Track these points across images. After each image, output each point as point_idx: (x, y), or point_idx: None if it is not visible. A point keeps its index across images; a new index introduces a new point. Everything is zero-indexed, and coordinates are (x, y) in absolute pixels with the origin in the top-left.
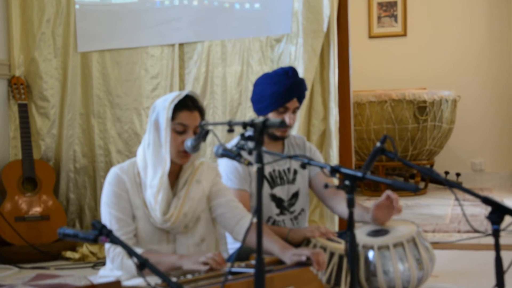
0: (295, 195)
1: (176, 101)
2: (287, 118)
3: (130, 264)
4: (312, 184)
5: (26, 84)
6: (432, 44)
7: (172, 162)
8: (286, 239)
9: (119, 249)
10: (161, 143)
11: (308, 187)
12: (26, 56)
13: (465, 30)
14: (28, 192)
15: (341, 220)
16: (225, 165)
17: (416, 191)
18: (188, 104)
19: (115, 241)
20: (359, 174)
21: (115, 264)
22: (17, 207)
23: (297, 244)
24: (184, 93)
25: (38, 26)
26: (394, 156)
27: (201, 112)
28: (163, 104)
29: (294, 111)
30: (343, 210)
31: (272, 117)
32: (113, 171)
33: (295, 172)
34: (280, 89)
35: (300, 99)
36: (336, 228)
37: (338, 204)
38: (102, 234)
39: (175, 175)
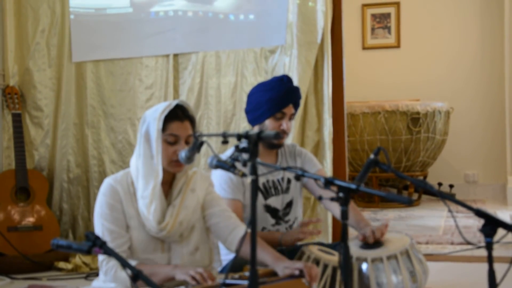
0: (289, 204)
1: (166, 112)
2: (284, 124)
3: (124, 277)
4: (308, 187)
5: (20, 94)
6: (426, 55)
7: (165, 171)
8: (279, 243)
9: (112, 262)
10: (153, 154)
11: (300, 195)
12: (21, 66)
13: (457, 42)
14: (21, 202)
15: (335, 231)
16: (218, 175)
17: (409, 204)
18: (178, 115)
19: (109, 252)
20: (353, 186)
21: (108, 277)
22: (10, 217)
23: (290, 251)
24: (174, 103)
25: (32, 36)
26: (388, 168)
27: (192, 121)
28: (153, 115)
29: (291, 118)
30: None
31: (269, 123)
32: (107, 181)
33: (289, 181)
34: (276, 95)
35: (296, 106)
36: (330, 240)
37: (336, 208)
38: (96, 245)
39: (168, 184)
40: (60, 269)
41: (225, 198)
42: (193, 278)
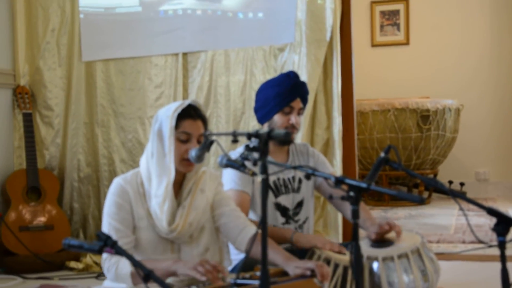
0: (300, 204)
1: (179, 110)
2: (293, 118)
3: (124, 273)
4: (321, 190)
5: (30, 93)
6: (435, 52)
7: (176, 171)
8: (290, 241)
9: (114, 259)
10: (165, 152)
11: (312, 195)
12: (31, 65)
13: (467, 38)
14: (32, 201)
15: (345, 230)
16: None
17: (421, 202)
18: (191, 113)
19: (120, 252)
20: (364, 185)
21: (110, 274)
22: (21, 216)
23: (300, 251)
24: (187, 102)
25: (43, 35)
26: (398, 166)
27: (204, 121)
28: (166, 114)
29: (299, 113)
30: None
31: (278, 119)
32: (116, 181)
33: (300, 181)
34: (284, 89)
35: (304, 100)
36: (340, 239)
37: (347, 209)
38: (107, 245)
39: (178, 184)
40: (71, 269)
41: (234, 190)
42: (197, 270)
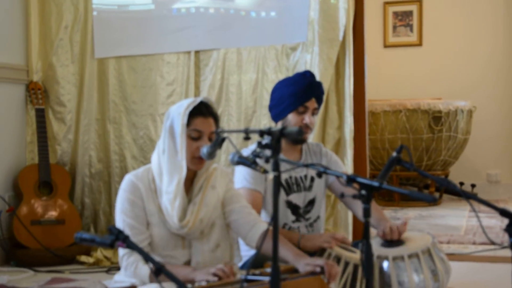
0: (311, 202)
1: (191, 108)
2: (306, 118)
3: (144, 273)
4: (333, 189)
5: (43, 89)
6: (448, 53)
7: (187, 168)
8: (297, 246)
9: (133, 258)
10: (177, 149)
11: (324, 195)
12: (44, 61)
13: (480, 40)
14: (44, 196)
15: (355, 229)
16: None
17: (433, 202)
18: (202, 111)
19: (132, 246)
20: (376, 183)
21: (128, 272)
22: (33, 210)
23: (310, 252)
24: (198, 99)
25: (56, 32)
26: (410, 166)
27: (216, 118)
28: (178, 111)
29: (314, 113)
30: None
31: (292, 118)
32: (128, 178)
33: (312, 179)
34: (299, 89)
35: (319, 101)
36: (351, 237)
37: (358, 208)
38: (119, 239)
39: (189, 181)
40: (82, 263)
41: (246, 188)
42: (215, 275)
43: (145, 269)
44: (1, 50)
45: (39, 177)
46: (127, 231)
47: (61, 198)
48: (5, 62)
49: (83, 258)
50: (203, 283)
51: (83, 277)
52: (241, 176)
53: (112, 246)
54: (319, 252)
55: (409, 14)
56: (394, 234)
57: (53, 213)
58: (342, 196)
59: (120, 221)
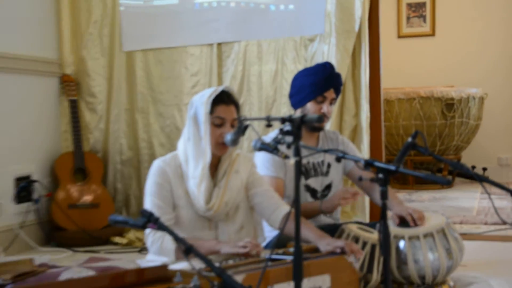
0: (328, 187)
1: (213, 96)
2: (325, 107)
3: (169, 248)
4: (351, 176)
5: (75, 82)
6: (460, 43)
7: (211, 154)
8: (320, 211)
9: (159, 234)
10: (201, 136)
11: (341, 180)
12: (75, 55)
13: (492, 30)
14: (79, 181)
15: (372, 211)
16: (262, 154)
17: (447, 184)
18: (224, 99)
19: (163, 227)
20: (393, 167)
21: (154, 248)
22: (70, 195)
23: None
24: (220, 88)
25: (86, 27)
26: (425, 151)
27: (237, 106)
28: (201, 100)
29: (331, 102)
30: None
31: (311, 107)
32: (156, 163)
33: (329, 165)
34: (319, 79)
35: (337, 91)
36: (367, 219)
37: (375, 192)
38: (150, 221)
39: (214, 166)
40: (115, 244)
41: (267, 176)
42: (244, 247)
43: (170, 244)
44: (36, 45)
45: (74, 164)
46: (155, 211)
47: (95, 184)
48: (40, 57)
49: (117, 239)
50: (230, 262)
51: (118, 257)
52: (261, 164)
53: (144, 227)
54: (338, 233)
55: (422, 5)
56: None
57: (88, 198)
58: (360, 179)
59: (149, 202)
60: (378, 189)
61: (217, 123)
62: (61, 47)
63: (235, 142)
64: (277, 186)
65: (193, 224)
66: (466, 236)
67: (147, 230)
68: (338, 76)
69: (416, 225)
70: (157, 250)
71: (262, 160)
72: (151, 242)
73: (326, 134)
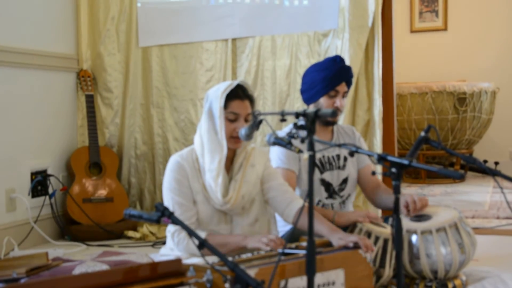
0: (345, 181)
1: (228, 91)
2: (338, 101)
3: (195, 247)
4: (359, 176)
5: (92, 77)
6: (472, 38)
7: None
8: (332, 222)
9: (183, 234)
10: (216, 130)
11: (357, 175)
12: (93, 51)
13: (503, 24)
14: (94, 176)
15: None
16: (277, 147)
17: (460, 178)
18: (239, 94)
19: (176, 222)
20: (406, 161)
21: (180, 247)
22: (85, 189)
23: (342, 227)
24: (235, 82)
25: (103, 23)
26: (438, 145)
27: (251, 100)
28: (216, 94)
29: (344, 96)
30: (381, 202)
31: (324, 101)
32: (174, 158)
33: (345, 159)
34: (330, 74)
35: (348, 84)
36: (380, 214)
37: (377, 198)
38: (164, 215)
39: (229, 160)
40: (129, 238)
41: (280, 168)
42: (262, 242)
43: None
44: (54, 41)
45: (89, 158)
46: (176, 209)
47: (109, 178)
48: (58, 52)
49: (131, 233)
50: (243, 256)
51: (131, 251)
52: (276, 156)
53: (158, 221)
54: (350, 227)
55: (434, 0)
56: (417, 205)
57: (102, 192)
58: (373, 173)
59: (169, 200)
60: (380, 194)
61: (231, 118)
62: (78, 43)
63: (249, 136)
64: (289, 178)
65: (210, 218)
66: (478, 230)
67: (172, 229)
68: (348, 69)
69: (426, 215)
70: (183, 249)
71: (277, 152)
72: (176, 242)
73: (340, 128)
